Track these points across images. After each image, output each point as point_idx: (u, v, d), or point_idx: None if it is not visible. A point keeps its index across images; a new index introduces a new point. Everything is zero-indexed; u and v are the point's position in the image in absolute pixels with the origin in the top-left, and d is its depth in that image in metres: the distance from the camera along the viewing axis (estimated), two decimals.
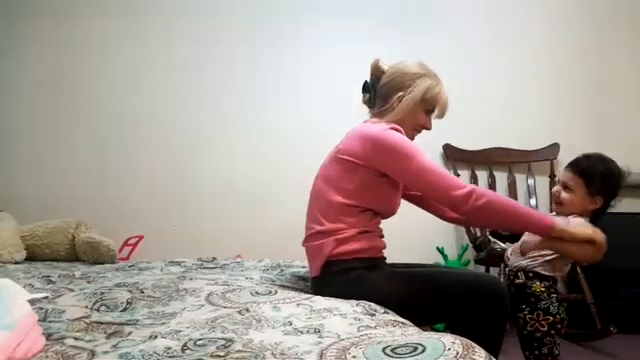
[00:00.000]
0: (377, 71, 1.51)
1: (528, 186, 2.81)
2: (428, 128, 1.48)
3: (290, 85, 2.92)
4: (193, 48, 2.93)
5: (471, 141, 2.84)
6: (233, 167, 2.88)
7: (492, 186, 2.79)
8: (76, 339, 0.94)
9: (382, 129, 1.36)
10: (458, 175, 2.78)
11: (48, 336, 0.96)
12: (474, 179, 2.80)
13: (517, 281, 1.41)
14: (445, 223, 2.87)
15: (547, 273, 1.41)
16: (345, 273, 1.37)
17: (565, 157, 2.86)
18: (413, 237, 2.65)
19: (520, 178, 2.84)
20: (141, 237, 2.72)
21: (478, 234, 2.49)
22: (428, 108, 1.45)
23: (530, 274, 1.41)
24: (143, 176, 2.89)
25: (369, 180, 1.38)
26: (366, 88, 1.54)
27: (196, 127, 2.91)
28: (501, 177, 2.83)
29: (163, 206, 2.87)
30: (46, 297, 1.14)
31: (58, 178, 2.88)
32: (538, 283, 1.39)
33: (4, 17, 2.96)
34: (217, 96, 2.93)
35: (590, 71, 2.98)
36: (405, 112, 1.42)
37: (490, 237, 2.34)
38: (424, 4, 2.98)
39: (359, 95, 1.61)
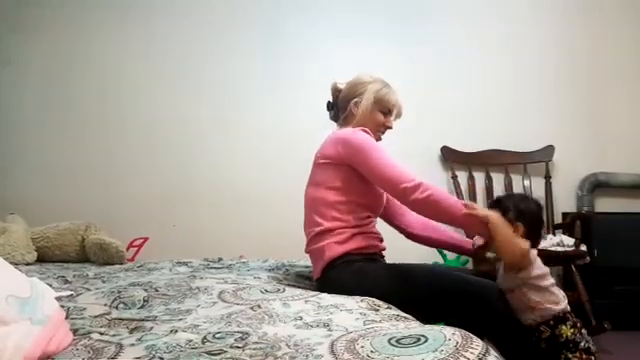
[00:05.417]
0: (336, 91, 1.73)
1: (524, 187, 2.89)
2: (390, 127, 1.66)
3: (292, 85, 2.98)
4: (195, 49, 3.00)
5: (468, 143, 2.91)
6: (235, 168, 2.94)
7: (489, 187, 2.87)
8: (101, 334, 1.00)
9: (351, 131, 1.55)
10: (455, 177, 2.86)
11: (74, 332, 1.02)
12: (471, 180, 2.88)
13: (544, 336, 1.32)
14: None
15: (558, 308, 1.32)
16: (346, 267, 1.46)
17: (560, 159, 2.95)
18: None
19: (516, 179, 2.91)
20: (146, 239, 2.77)
21: None
22: (383, 109, 1.63)
23: (550, 322, 1.32)
24: (146, 178, 2.95)
25: (351, 175, 1.52)
26: (329, 106, 1.75)
27: (198, 128, 2.98)
28: (498, 178, 2.91)
29: (166, 208, 2.93)
30: (71, 295, 1.20)
31: (64, 181, 2.94)
32: (564, 327, 1.31)
33: (8, 28, 3.02)
34: (220, 97, 2.99)
35: (585, 73, 3.06)
36: (364, 115, 1.60)
37: None
38: (422, 6, 3.05)
39: None
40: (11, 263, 2.01)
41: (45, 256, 2.20)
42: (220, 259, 2.08)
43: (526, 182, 2.90)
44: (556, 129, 2.99)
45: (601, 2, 3.08)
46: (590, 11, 3.06)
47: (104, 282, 1.56)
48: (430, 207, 1.41)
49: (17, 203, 2.69)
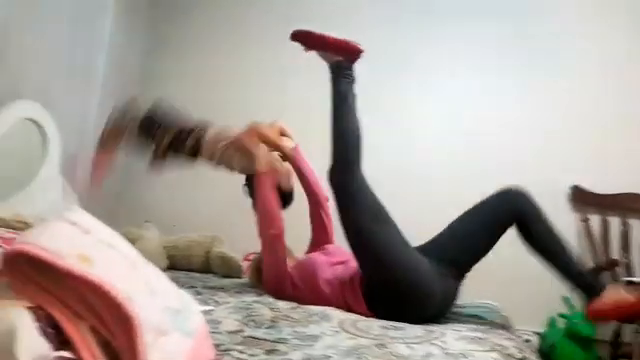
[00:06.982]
0: None
1: None
2: None
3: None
4: None
5: (603, 184, 2.65)
6: None
7: (625, 235, 2.58)
8: (240, 352, 1.05)
9: None
10: (586, 220, 2.62)
11: (215, 347, 1.08)
12: (605, 225, 2.61)
13: None
14: None
15: None
16: None
17: None
18: (532, 284, 2.49)
19: None
20: None
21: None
22: None
23: None
24: None
25: None
26: None
27: None
28: (636, 225, 2.60)
29: None
30: (212, 310, 1.28)
31: (193, 194, 3.18)
32: None
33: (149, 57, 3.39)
34: None
35: None
36: None
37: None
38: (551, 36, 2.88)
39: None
40: None
41: (174, 264, 2.38)
42: None
43: None
44: None
45: None
46: None
47: (230, 296, 1.64)
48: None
49: (149, 212, 2.97)
